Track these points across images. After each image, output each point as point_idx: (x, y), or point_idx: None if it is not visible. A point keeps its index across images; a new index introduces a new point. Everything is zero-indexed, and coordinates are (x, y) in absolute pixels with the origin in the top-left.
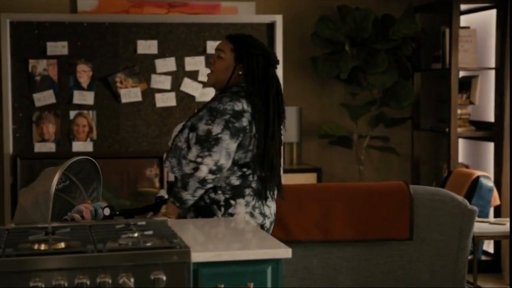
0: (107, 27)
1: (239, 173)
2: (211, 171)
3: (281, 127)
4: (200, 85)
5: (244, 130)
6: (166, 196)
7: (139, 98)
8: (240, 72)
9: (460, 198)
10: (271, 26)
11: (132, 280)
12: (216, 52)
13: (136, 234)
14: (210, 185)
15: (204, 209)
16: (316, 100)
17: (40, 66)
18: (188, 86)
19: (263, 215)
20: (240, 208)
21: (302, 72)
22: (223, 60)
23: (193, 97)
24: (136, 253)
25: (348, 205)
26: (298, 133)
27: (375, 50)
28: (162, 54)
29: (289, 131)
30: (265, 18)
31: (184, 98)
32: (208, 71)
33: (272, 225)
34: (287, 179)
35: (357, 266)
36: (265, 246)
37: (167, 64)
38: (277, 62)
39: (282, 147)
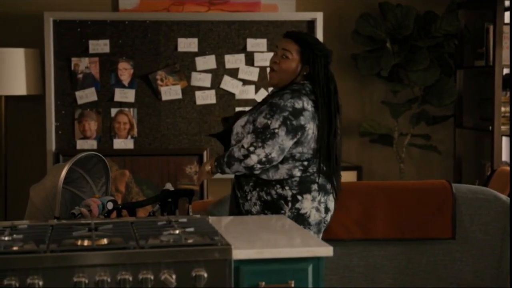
0: (148, 25)
1: (301, 167)
2: (260, 162)
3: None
4: (240, 83)
5: (302, 128)
6: (171, 189)
7: (179, 96)
8: (305, 73)
9: (503, 197)
10: (311, 24)
11: (173, 276)
12: (282, 52)
13: (177, 231)
14: (255, 173)
15: (271, 204)
16: (356, 97)
17: (82, 64)
18: (228, 83)
19: (327, 209)
20: (307, 203)
21: (342, 70)
22: (290, 60)
23: (233, 94)
24: (178, 250)
25: (389, 203)
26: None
27: (416, 47)
28: (202, 51)
29: None
30: (306, 16)
31: (224, 96)
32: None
33: (331, 219)
34: None
35: (398, 265)
36: (307, 244)
37: (207, 61)
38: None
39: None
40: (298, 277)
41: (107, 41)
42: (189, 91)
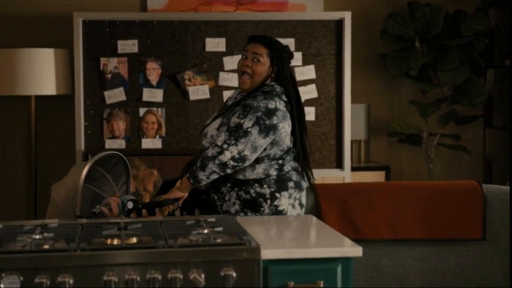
0: (176, 25)
1: (276, 166)
2: (233, 158)
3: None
4: None
5: (275, 128)
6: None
7: (207, 96)
8: (273, 75)
9: None
10: (339, 23)
11: (202, 276)
12: (253, 56)
13: (206, 231)
14: (228, 171)
15: (251, 202)
16: (384, 97)
17: (111, 64)
18: None
19: (301, 205)
20: (284, 200)
21: (370, 69)
22: (261, 64)
23: None
24: (207, 249)
25: (418, 203)
26: (366, 130)
27: (446, 47)
28: (230, 51)
29: (357, 129)
30: (334, 15)
31: None
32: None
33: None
34: (355, 177)
35: (427, 266)
36: (336, 244)
37: (235, 61)
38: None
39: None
40: (327, 277)
41: (135, 41)
42: (217, 91)
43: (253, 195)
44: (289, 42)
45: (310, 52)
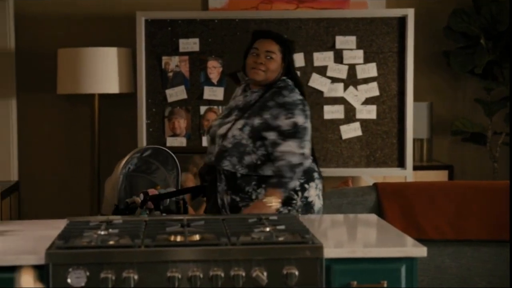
0: (237, 23)
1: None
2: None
3: None
4: (329, 81)
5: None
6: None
7: None
8: (281, 70)
9: None
10: (402, 20)
11: (265, 274)
12: (266, 53)
13: (268, 229)
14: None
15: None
16: (448, 95)
17: (172, 63)
18: (317, 81)
19: (322, 196)
20: (312, 191)
21: (433, 67)
22: (274, 60)
23: (321, 92)
24: (269, 247)
25: (483, 203)
26: (429, 129)
27: None
28: None
29: (419, 127)
30: (396, 12)
31: (313, 94)
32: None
33: None
34: (416, 176)
35: (493, 267)
36: (400, 244)
37: (296, 59)
38: None
39: None
40: (391, 277)
41: (196, 40)
42: None
43: None
44: (351, 39)
45: (372, 50)
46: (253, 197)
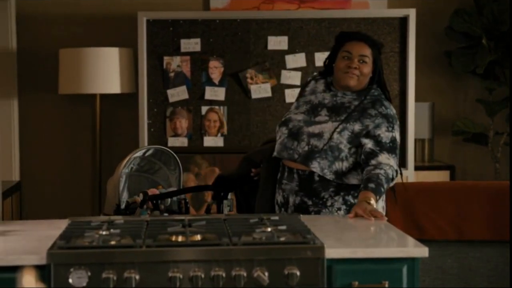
0: (239, 23)
1: None
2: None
3: None
4: None
5: None
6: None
7: (269, 94)
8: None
9: None
10: (403, 21)
11: (266, 274)
12: (360, 57)
13: (269, 229)
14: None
15: None
16: (449, 95)
17: (174, 63)
18: None
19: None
20: (380, 201)
21: (435, 67)
22: (368, 65)
23: None
24: (270, 247)
25: (485, 204)
26: (430, 129)
27: None
28: (292, 50)
29: (421, 127)
30: (398, 12)
31: None
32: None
33: None
34: (418, 176)
35: (495, 267)
36: (401, 244)
37: (297, 59)
38: None
39: None
40: (393, 277)
41: (198, 40)
42: (279, 89)
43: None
44: None
45: None
46: (329, 203)
